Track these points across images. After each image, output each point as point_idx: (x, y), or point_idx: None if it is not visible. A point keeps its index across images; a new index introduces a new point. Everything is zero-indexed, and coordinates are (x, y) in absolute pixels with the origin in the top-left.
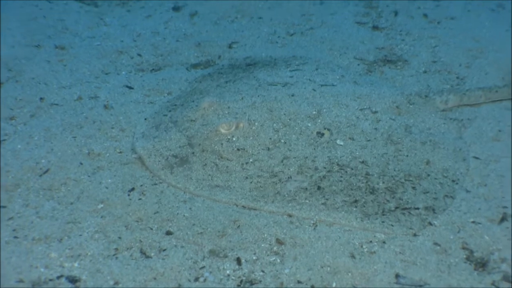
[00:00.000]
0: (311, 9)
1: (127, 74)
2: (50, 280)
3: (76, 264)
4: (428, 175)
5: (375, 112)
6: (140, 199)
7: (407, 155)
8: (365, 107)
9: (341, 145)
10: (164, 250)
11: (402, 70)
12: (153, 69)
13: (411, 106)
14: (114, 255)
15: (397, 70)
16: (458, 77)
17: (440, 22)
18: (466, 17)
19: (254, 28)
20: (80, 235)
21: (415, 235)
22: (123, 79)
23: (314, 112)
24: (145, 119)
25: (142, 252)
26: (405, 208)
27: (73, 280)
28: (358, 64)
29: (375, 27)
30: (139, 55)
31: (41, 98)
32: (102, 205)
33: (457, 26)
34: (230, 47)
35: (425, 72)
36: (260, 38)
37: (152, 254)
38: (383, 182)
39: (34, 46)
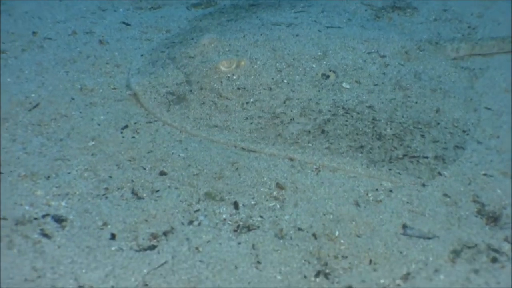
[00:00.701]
0: None
1: (124, 11)
2: (35, 218)
3: (63, 203)
4: (438, 123)
5: (383, 56)
6: (133, 137)
7: (416, 102)
8: (372, 50)
9: (347, 88)
10: (157, 191)
11: (411, 17)
12: (151, 7)
13: (420, 52)
14: (103, 194)
15: (406, 17)
16: (469, 27)
17: None
18: None
19: None
20: (69, 173)
21: (423, 185)
22: (120, 16)
23: (319, 53)
24: (142, 55)
25: (134, 193)
26: (414, 157)
27: (59, 219)
28: (366, 10)
29: None
30: None
31: (33, 32)
32: (93, 143)
33: None
34: None
35: (435, 20)
36: None
37: (144, 195)
38: (391, 129)
39: None
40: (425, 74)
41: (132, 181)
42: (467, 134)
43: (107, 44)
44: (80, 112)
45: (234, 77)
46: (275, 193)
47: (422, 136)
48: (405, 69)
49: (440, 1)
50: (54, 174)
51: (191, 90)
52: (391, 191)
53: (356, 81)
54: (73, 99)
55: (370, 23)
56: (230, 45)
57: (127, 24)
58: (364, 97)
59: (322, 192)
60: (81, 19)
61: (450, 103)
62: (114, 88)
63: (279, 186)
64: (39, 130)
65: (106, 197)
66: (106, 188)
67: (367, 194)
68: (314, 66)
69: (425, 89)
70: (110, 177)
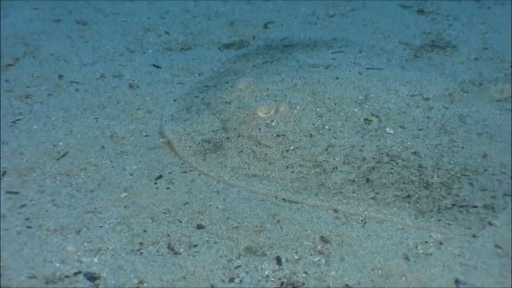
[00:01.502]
0: None
1: (154, 52)
2: (66, 276)
3: (95, 259)
4: (485, 170)
5: (427, 99)
6: (168, 188)
7: (463, 147)
8: (415, 93)
9: (391, 133)
10: (195, 246)
11: (451, 57)
12: (182, 48)
13: (464, 94)
14: (138, 250)
15: (445, 56)
16: None
17: (490, 8)
18: None
19: (291, 7)
20: (101, 226)
21: (474, 236)
22: (149, 57)
23: (360, 97)
24: (175, 100)
25: (170, 248)
26: (463, 206)
27: (92, 277)
28: (404, 49)
29: (420, 11)
30: (167, 33)
31: (60, 76)
32: (125, 194)
33: (508, 12)
34: (265, 27)
35: (476, 59)
36: (297, 18)
37: (181, 250)
38: (438, 176)
39: (54, 21)
40: (470, 117)
41: (168, 235)
42: None
43: (138, 88)
44: (111, 161)
45: (273, 124)
46: (319, 247)
47: (470, 184)
48: (449, 112)
49: (480, 39)
50: (85, 228)
51: (228, 138)
52: (441, 243)
53: (400, 126)
54: (103, 147)
55: (409, 64)
56: (267, 89)
57: (158, 67)
58: (409, 143)
59: (369, 246)
60: (109, 62)
61: (496, 147)
62: (147, 136)
63: (324, 240)
64: (68, 180)
65: (141, 253)
66: (141, 243)
67: (416, 247)
68: (355, 110)
69: (471, 133)
70: (145, 230)
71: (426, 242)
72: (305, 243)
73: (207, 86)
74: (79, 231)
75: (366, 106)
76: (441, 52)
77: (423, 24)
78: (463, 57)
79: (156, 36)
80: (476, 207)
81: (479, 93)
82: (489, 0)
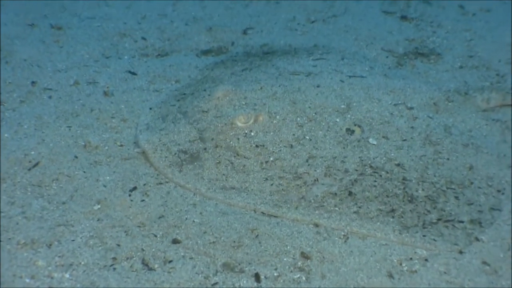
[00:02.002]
0: None
1: (130, 58)
2: None
3: (67, 275)
4: (472, 183)
5: (411, 108)
6: (142, 200)
7: (448, 159)
8: (399, 102)
9: (374, 144)
10: (170, 261)
11: (435, 65)
12: (159, 55)
13: (449, 103)
14: (111, 265)
15: (430, 64)
16: (498, 74)
17: (475, 14)
18: (504, 9)
19: (271, 13)
20: (73, 240)
21: (460, 252)
22: (125, 64)
23: (342, 106)
24: (150, 108)
25: (145, 263)
26: (448, 221)
27: None
28: (387, 56)
29: (403, 17)
30: (144, 38)
31: (33, 82)
32: (99, 206)
33: (494, 19)
34: (244, 33)
35: (461, 67)
36: (277, 24)
37: (156, 266)
38: (423, 189)
39: (28, 25)
40: (455, 128)
41: (143, 250)
42: (503, 193)
43: (112, 96)
44: (84, 171)
45: (252, 134)
46: (300, 263)
47: (456, 197)
48: (434, 122)
49: (465, 47)
50: (57, 241)
51: (205, 148)
52: (426, 259)
53: (383, 137)
54: (76, 157)
55: (393, 72)
56: (246, 98)
57: (133, 73)
58: (392, 154)
59: (351, 262)
60: (83, 68)
61: (483, 159)
62: (121, 145)
63: (304, 256)
64: (40, 191)
65: (114, 268)
66: (114, 258)
67: (401, 264)
68: (337, 120)
69: (456, 144)
70: (118, 245)
71: (411, 258)
72: (285, 259)
73: (184, 94)
74: (50, 245)
75: (349, 116)
76: (425, 59)
77: (407, 31)
78: (448, 65)
79: (132, 41)
80: (462, 222)
81: (464, 103)
82: (474, 7)
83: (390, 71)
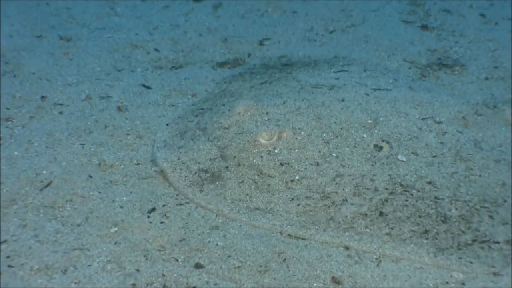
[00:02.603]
0: (350, 4)
1: (143, 71)
2: None
3: None
4: (505, 200)
5: (439, 122)
6: (162, 222)
7: (480, 176)
8: (427, 116)
9: (403, 161)
10: None
11: (460, 76)
12: (173, 67)
13: (478, 117)
14: None
15: (454, 75)
16: None
17: (498, 23)
18: None
19: (288, 23)
20: (89, 265)
21: (497, 274)
22: (138, 77)
23: (369, 121)
24: (167, 124)
25: None
26: (484, 241)
27: None
28: (410, 68)
29: (424, 27)
30: (157, 50)
31: (42, 97)
32: (115, 229)
33: None
34: (261, 44)
35: (486, 79)
36: (295, 35)
37: None
38: (456, 209)
39: (36, 37)
40: (485, 143)
41: (163, 275)
42: None
43: (127, 111)
44: (99, 192)
45: (276, 151)
46: None
47: (490, 217)
48: (464, 137)
49: (489, 57)
50: (72, 267)
51: (227, 167)
52: (463, 283)
53: (412, 153)
54: (90, 176)
55: (417, 84)
56: (268, 113)
57: (148, 87)
58: (423, 171)
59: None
60: (95, 81)
61: None
62: (138, 164)
63: (335, 281)
64: (53, 213)
65: None
66: (134, 284)
67: None
68: (364, 136)
69: (487, 160)
70: (138, 270)
71: (447, 282)
72: (315, 284)
73: (202, 109)
74: (66, 270)
75: (376, 131)
76: (449, 71)
77: (428, 41)
78: (473, 76)
79: (145, 53)
80: (498, 242)
81: (493, 116)
82: (495, 16)
83: (414, 83)
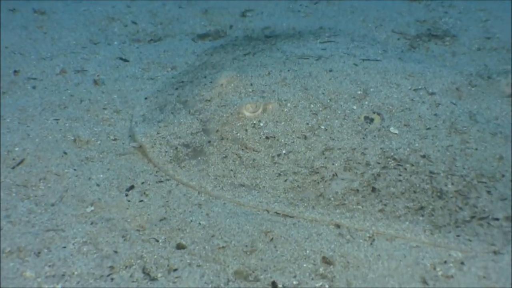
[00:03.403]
0: None
1: (120, 44)
2: None
3: (59, 287)
4: (503, 175)
5: (432, 93)
6: (141, 200)
7: (476, 149)
8: (419, 87)
9: (395, 133)
10: (175, 270)
11: (451, 47)
12: (151, 40)
13: (472, 88)
14: (108, 275)
15: (445, 46)
16: None
17: None
18: None
19: None
20: (64, 247)
21: (497, 252)
22: (115, 50)
23: (359, 92)
24: (146, 98)
25: (146, 272)
26: (483, 218)
27: None
28: (398, 39)
29: None
30: (134, 22)
31: (15, 71)
32: (92, 208)
33: None
34: (243, 15)
35: (478, 49)
36: (278, 6)
37: (159, 275)
38: (452, 184)
39: (9, 10)
40: (480, 115)
41: (143, 257)
42: None
43: (103, 85)
44: (75, 169)
45: (261, 124)
46: (321, 269)
47: (488, 192)
48: (458, 109)
49: (481, 28)
50: (46, 249)
51: (209, 141)
52: (462, 263)
53: (405, 125)
54: (65, 153)
55: (407, 55)
56: (253, 85)
57: (125, 60)
58: (416, 145)
59: (380, 268)
60: (70, 55)
61: None
62: (115, 139)
63: (326, 261)
64: (26, 192)
65: (112, 279)
66: (111, 267)
67: (434, 268)
68: (354, 107)
69: (483, 133)
70: (116, 252)
71: (445, 262)
72: (304, 265)
73: (182, 81)
74: (39, 253)
75: (366, 102)
76: (440, 42)
77: (417, 12)
78: (464, 47)
79: (122, 26)
80: (497, 219)
81: (488, 87)
82: None
83: (404, 54)
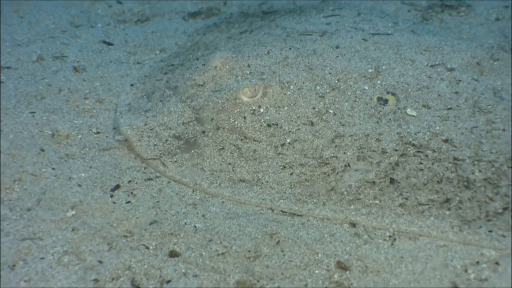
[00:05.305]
0: None
1: (104, 26)
2: None
3: None
4: None
5: (451, 69)
6: (128, 202)
7: (504, 129)
8: (437, 62)
9: (413, 115)
10: (168, 281)
11: (467, 18)
12: (138, 20)
13: (495, 63)
14: None
15: (460, 17)
16: None
17: None
18: None
19: None
20: (42, 258)
21: None
22: (99, 33)
23: (370, 70)
24: (132, 85)
25: (135, 285)
26: None
27: None
28: (409, 11)
29: None
30: (119, 2)
31: None
32: (73, 212)
33: None
34: None
35: (497, 20)
36: None
37: None
38: (480, 171)
39: None
40: (505, 92)
41: (131, 267)
42: None
43: (84, 71)
44: (53, 168)
45: (261, 110)
46: (336, 276)
47: None
48: (481, 86)
49: None
50: (22, 261)
51: (203, 132)
52: (497, 263)
53: (423, 105)
54: (42, 150)
55: (420, 27)
56: (250, 66)
57: (109, 44)
58: (437, 128)
59: (403, 272)
60: (48, 40)
61: None
62: (98, 133)
63: (341, 266)
64: None
65: None
66: (96, 280)
67: (466, 271)
68: (366, 88)
69: (510, 111)
70: (100, 262)
71: (478, 262)
72: (316, 271)
73: (172, 65)
74: (14, 266)
75: (378, 82)
76: (454, 12)
77: None
78: (481, 18)
79: (106, 6)
80: None
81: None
82: None
83: (416, 27)
